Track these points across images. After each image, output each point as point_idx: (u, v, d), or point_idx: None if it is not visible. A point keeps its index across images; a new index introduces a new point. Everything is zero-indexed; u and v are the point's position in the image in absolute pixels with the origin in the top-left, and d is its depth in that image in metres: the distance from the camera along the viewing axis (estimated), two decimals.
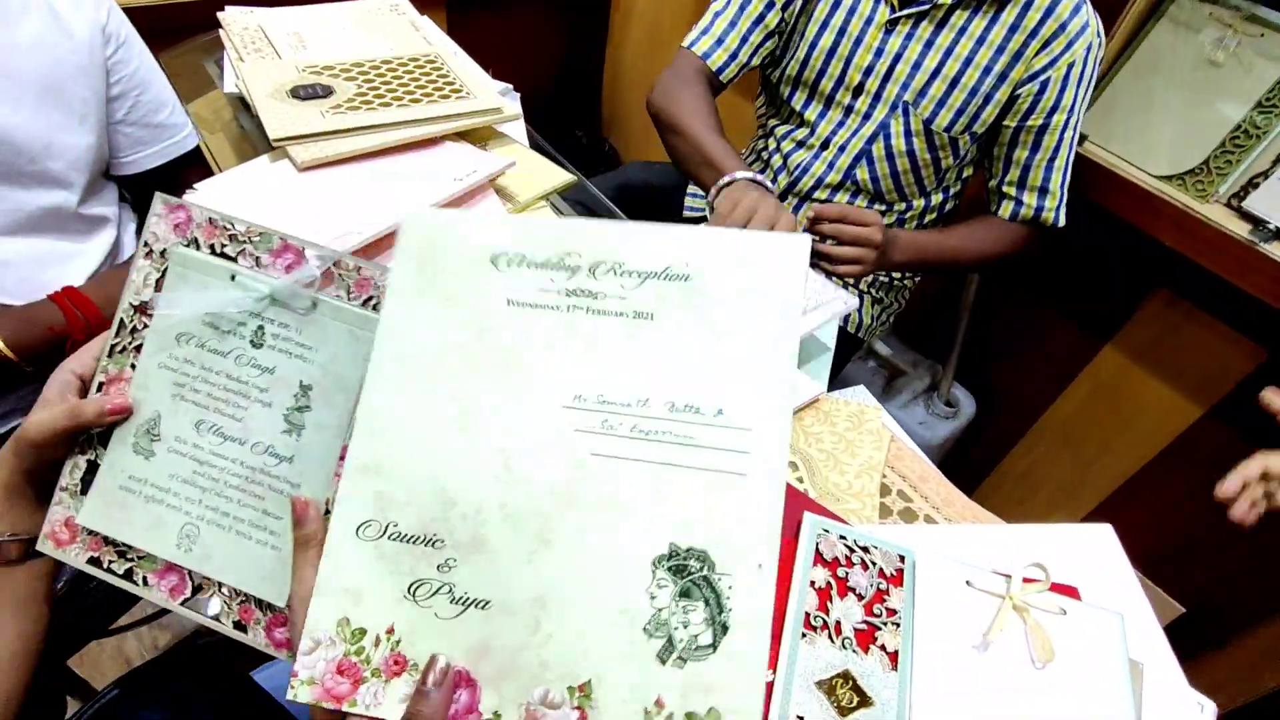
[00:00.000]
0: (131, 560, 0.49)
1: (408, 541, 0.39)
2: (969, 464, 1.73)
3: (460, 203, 0.84)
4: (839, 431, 0.68)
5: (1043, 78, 0.97)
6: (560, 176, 0.96)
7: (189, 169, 0.98)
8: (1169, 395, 1.36)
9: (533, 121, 1.09)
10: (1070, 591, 0.53)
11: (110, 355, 0.50)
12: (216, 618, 0.48)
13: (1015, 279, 1.55)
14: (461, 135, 0.93)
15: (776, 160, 1.19)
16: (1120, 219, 1.23)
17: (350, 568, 0.39)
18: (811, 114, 1.13)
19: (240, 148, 1.03)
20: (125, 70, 0.87)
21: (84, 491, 0.50)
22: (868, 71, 1.05)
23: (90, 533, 0.49)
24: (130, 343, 0.50)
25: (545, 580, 0.37)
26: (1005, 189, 1.08)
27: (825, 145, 1.13)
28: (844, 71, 1.06)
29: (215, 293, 0.48)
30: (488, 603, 0.37)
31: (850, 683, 0.46)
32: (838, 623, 0.49)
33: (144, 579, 0.49)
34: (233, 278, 0.48)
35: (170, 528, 0.48)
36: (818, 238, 0.95)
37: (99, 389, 0.50)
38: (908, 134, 1.06)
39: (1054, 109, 0.98)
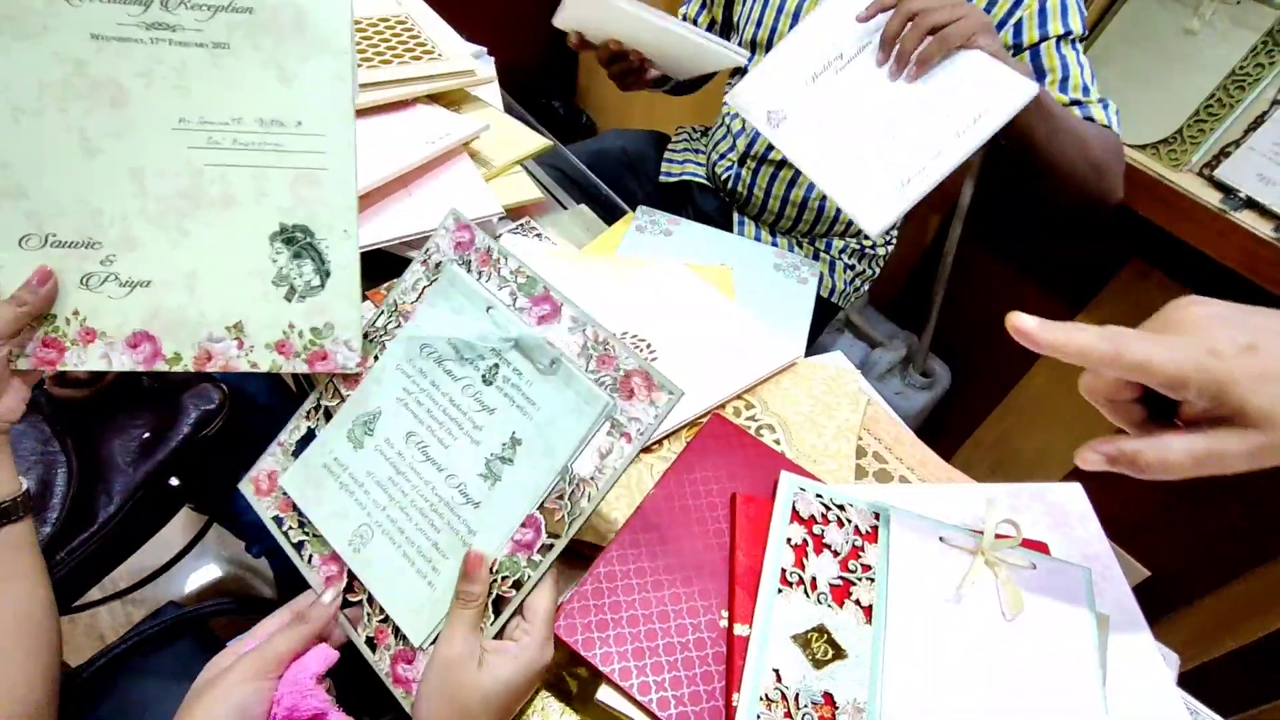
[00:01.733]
0: (307, 535, 0.51)
1: (69, 246, 0.47)
2: (945, 434, 1.75)
3: (434, 166, 0.83)
4: (816, 395, 0.68)
5: (1013, 21, 0.92)
6: (535, 141, 0.94)
7: None
8: None
9: (510, 91, 1.07)
10: (1040, 547, 0.54)
11: (366, 337, 0.52)
12: (354, 623, 0.49)
13: (992, 248, 1.56)
14: (433, 98, 0.91)
15: (736, 124, 1.18)
16: None
17: (25, 273, 0.47)
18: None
19: None
20: None
21: (295, 454, 0.53)
22: None
23: (285, 493, 0.53)
24: (383, 335, 0.53)
25: (191, 258, 0.48)
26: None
27: None
28: (793, 26, 1.06)
29: (468, 319, 0.50)
30: (149, 282, 0.48)
31: (825, 636, 0.47)
32: (813, 578, 0.49)
33: (310, 558, 0.51)
34: (488, 310, 0.49)
35: (350, 521, 0.50)
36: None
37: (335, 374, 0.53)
38: None
39: (1041, 40, 0.92)
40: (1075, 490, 0.61)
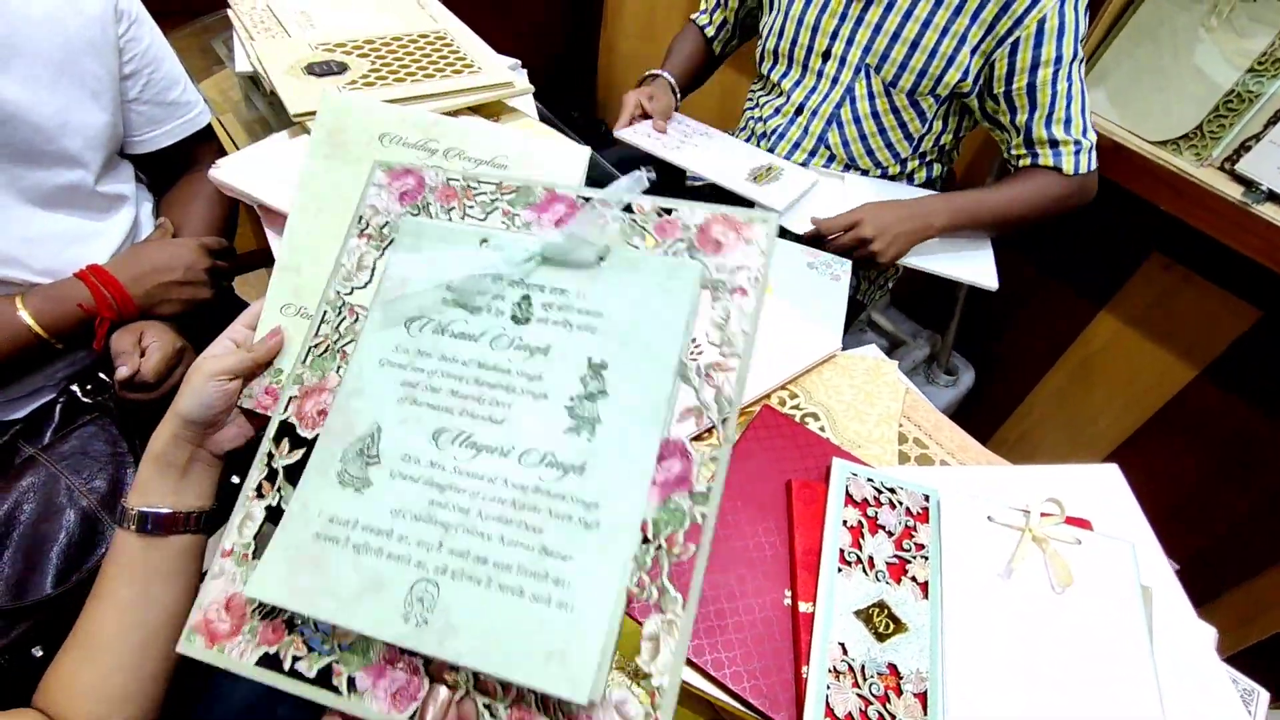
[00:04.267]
0: (330, 653, 0.35)
1: (310, 318, 0.45)
2: (969, 430, 1.77)
3: None
4: (857, 384, 0.70)
5: (1011, 40, 0.96)
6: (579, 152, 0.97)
7: (201, 146, 0.98)
8: (1163, 358, 1.39)
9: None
10: (1084, 524, 0.56)
11: (306, 361, 0.41)
12: None
13: (1013, 248, 1.58)
14: (473, 110, 0.94)
15: (759, 128, 1.24)
16: (1115, 185, 1.26)
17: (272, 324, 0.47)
18: (788, 82, 1.18)
19: (251, 127, 1.04)
20: (138, 48, 0.88)
21: (258, 554, 0.37)
22: (834, 36, 1.09)
23: (264, 615, 0.36)
24: (336, 342, 0.40)
25: None
26: (1015, 152, 1.07)
27: (799, 111, 1.17)
28: (813, 37, 1.11)
29: (459, 265, 0.38)
30: None
31: (886, 611, 0.49)
32: (870, 557, 0.52)
33: (349, 681, 0.34)
34: (482, 243, 0.38)
35: (394, 590, 0.33)
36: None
37: (288, 405, 0.40)
38: (870, 96, 1.10)
39: (1035, 66, 0.98)
40: (1113, 471, 0.63)
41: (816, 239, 1.00)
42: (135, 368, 0.78)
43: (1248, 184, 1.11)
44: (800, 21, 1.11)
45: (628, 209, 0.37)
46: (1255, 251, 1.11)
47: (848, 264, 0.95)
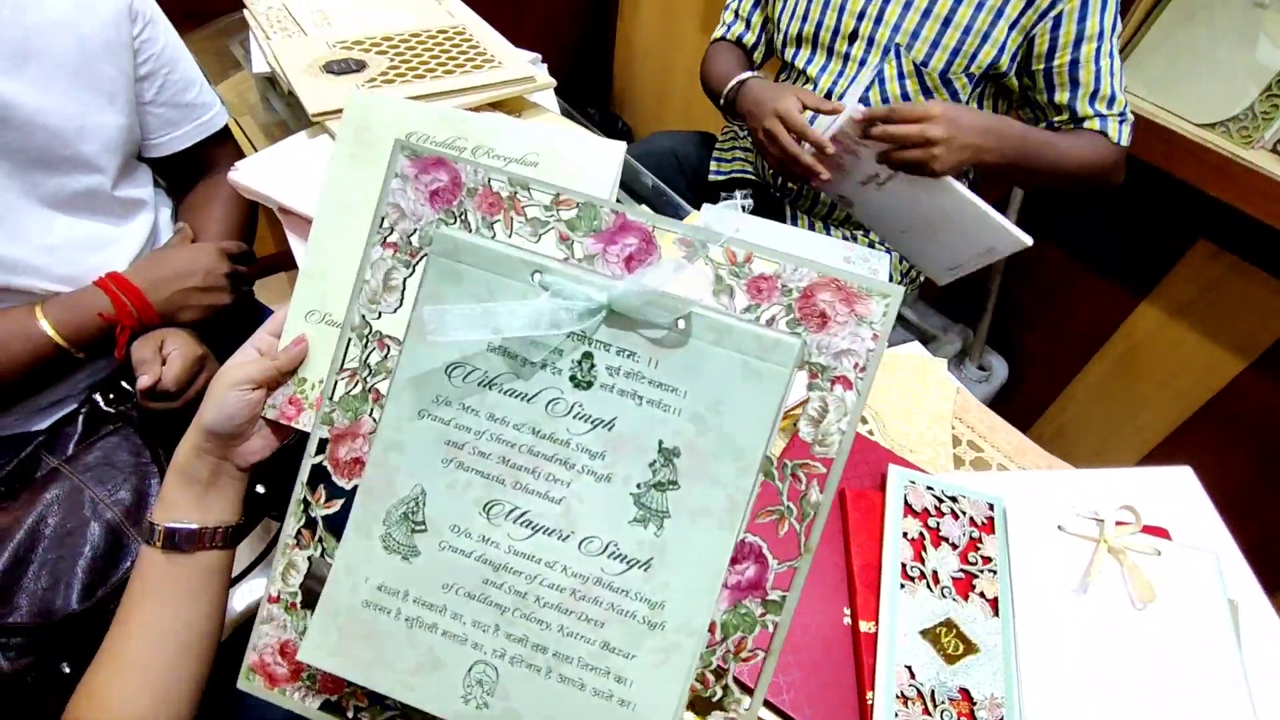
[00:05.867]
0: (393, 708, 0.35)
1: (335, 325, 0.44)
2: None
3: None
4: (903, 384, 0.67)
5: (1054, 13, 0.93)
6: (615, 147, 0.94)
7: (219, 149, 0.96)
8: (1209, 350, 1.34)
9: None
10: (1161, 533, 0.53)
11: (334, 398, 0.36)
12: None
13: (1046, 236, 1.53)
14: (494, 105, 0.92)
15: None
16: (1156, 170, 1.21)
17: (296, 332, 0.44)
18: (814, 69, 1.13)
19: (270, 130, 1.02)
20: (153, 49, 0.86)
21: (307, 604, 0.36)
22: (860, 16, 1.04)
23: (315, 672, 0.36)
24: (366, 378, 0.36)
25: None
26: (1057, 116, 1.02)
27: (827, 97, 1.12)
28: (839, 19, 1.06)
29: (509, 306, 0.32)
30: None
31: (954, 630, 0.46)
32: (934, 572, 0.48)
33: None
34: (534, 275, 0.32)
35: (452, 670, 0.32)
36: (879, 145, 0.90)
37: (320, 448, 0.36)
38: (900, 78, 1.05)
39: (1079, 41, 0.94)
40: (1186, 474, 0.59)
41: (867, 125, 0.90)
42: (156, 376, 0.76)
43: None
44: (825, 3, 1.07)
45: (712, 259, 0.32)
46: None
47: (885, 258, 0.91)
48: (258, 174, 0.78)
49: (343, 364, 0.36)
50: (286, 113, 0.99)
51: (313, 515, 0.36)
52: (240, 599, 1.44)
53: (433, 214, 0.34)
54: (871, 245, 1.18)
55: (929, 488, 0.52)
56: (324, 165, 0.78)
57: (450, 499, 0.33)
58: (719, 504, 0.32)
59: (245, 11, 1.01)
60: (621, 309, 0.31)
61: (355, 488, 0.35)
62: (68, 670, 0.70)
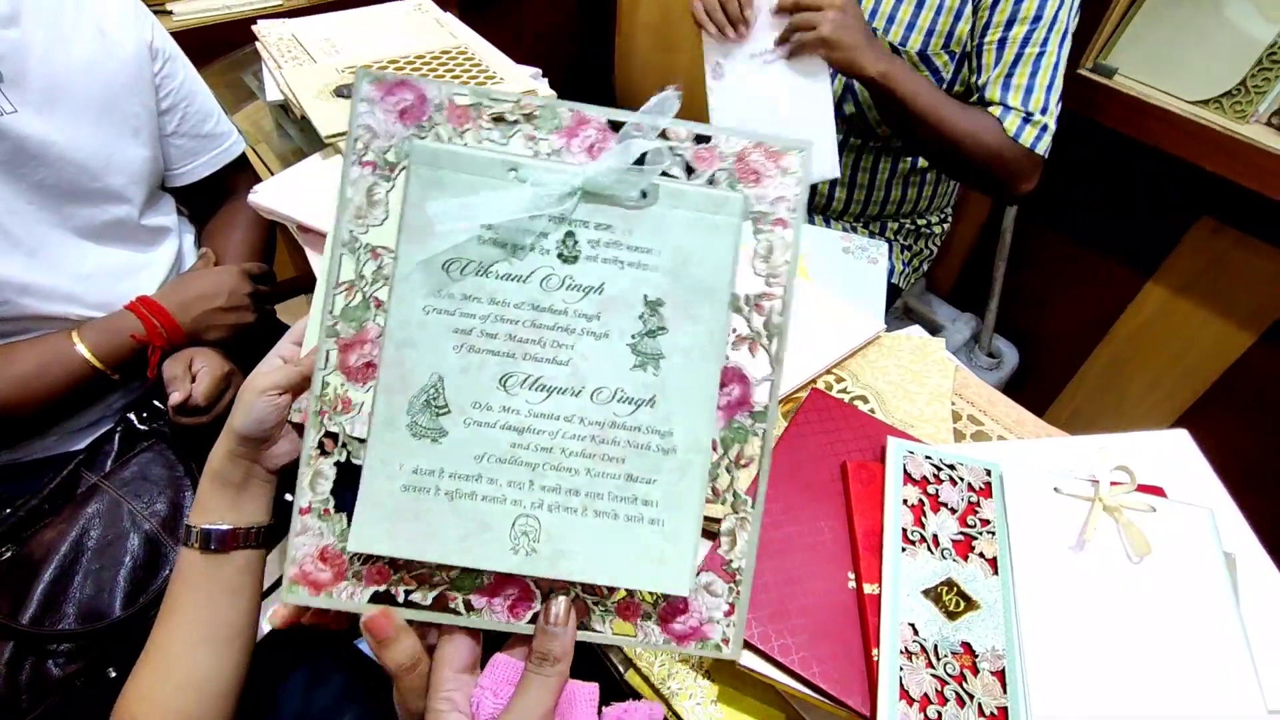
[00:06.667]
0: (440, 584, 0.37)
1: None
2: None
3: None
4: (904, 364, 0.69)
5: None
6: None
7: (237, 176, 1.01)
8: (1218, 325, 1.34)
9: None
10: (1156, 491, 0.54)
11: (338, 313, 0.37)
12: (587, 625, 0.38)
13: (1047, 223, 1.54)
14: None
15: None
16: (1154, 150, 1.22)
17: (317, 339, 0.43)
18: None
19: (285, 156, 1.06)
20: (173, 84, 0.91)
21: (341, 508, 0.38)
22: None
23: (365, 560, 0.38)
24: (367, 288, 0.37)
25: None
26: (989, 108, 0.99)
27: None
28: None
29: (489, 199, 0.35)
30: None
31: (955, 589, 0.48)
32: (934, 535, 0.50)
33: (465, 603, 0.37)
34: (511, 172, 0.36)
35: (498, 528, 0.36)
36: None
37: (327, 358, 0.38)
38: None
39: (1011, 21, 0.92)
40: (1182, 436, 0.61)
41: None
42: (187, 393, 0.79)
43: None
44: None
45: (663, 135, 0.36)
46: None
47: (884, 246, 0.93)
48: (277, 195, 0.81)
49: (338, 279, 0.37)
50: (301, 138, 1.03)
51: (325, 424, 0.38)
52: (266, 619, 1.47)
53: (405, 130, 0.37)
54: (873, 238, 1.21)
55: (927, 457, 0.54)
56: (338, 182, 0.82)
57: (467, 380, 0.36)
58: (702, 339, 0.37)
59: (257, 44, 1.05)
60: (594, 188, 0.36)
61: (371, 386, 0.37)
62: (114, 675, 0.74)
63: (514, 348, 0.36)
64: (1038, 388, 1.69)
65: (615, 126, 0.37)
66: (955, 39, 0.99)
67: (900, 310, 1.71)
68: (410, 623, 0.37)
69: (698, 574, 0.38)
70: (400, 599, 0.37)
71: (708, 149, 0.37)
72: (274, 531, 0.53)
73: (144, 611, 0.73)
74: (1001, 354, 1.64)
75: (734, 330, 0.38)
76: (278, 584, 0.89)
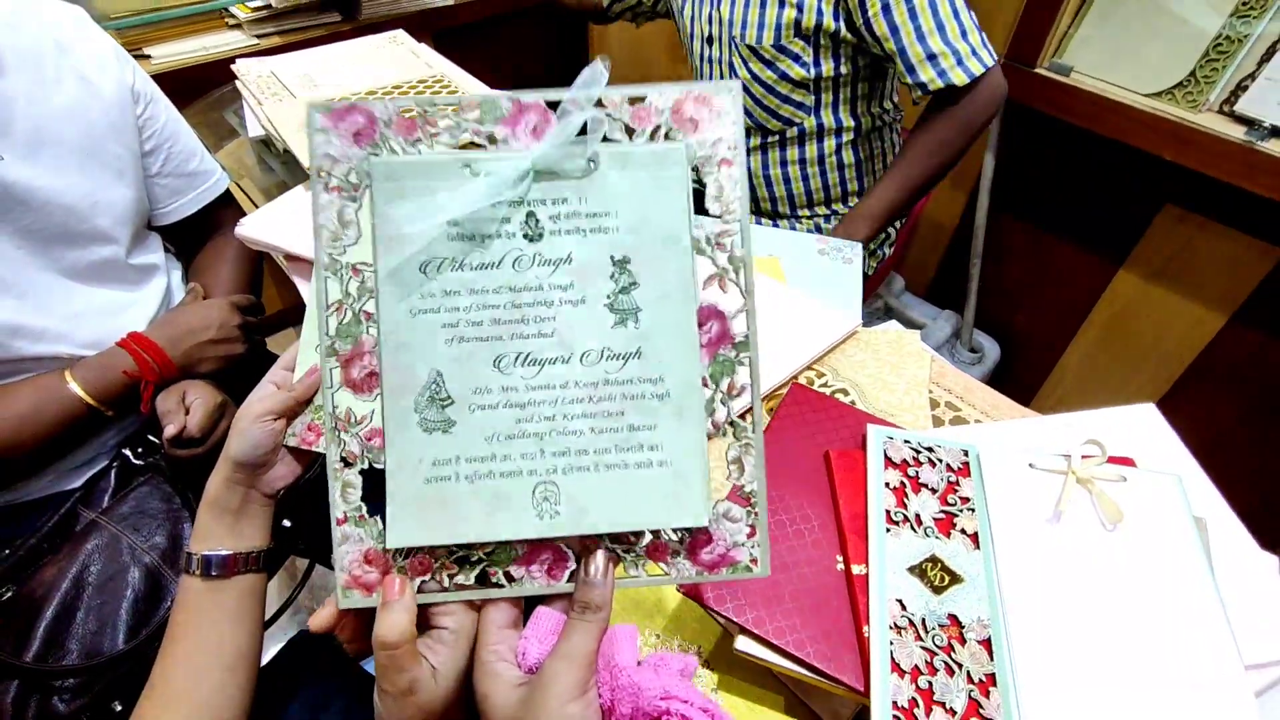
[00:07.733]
0: (478, 561, 0.40)
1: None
2: None
3: None
4: (882, 357, 0.71)
5: None
6: None
7: (222, 211, 1.02)
8: (1189, 308, 1.38)
9: None
10: (1127, 462, 0.56)
11: (333, 333, 0.39)
12: (622, 572, 0.40)
13: (1020, 216, 1.58)
14: None
15: None
16: (1116, 143, 1.26)
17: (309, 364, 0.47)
18: (697, 74, 1.26)
19: (269, 190, 1.08)
20: (156, 125, 0.92)
21: (374, 512, 0.40)
22: (709, 20, 1.14)
23: (406, 554, 0.40)
24: (355, 305, 0.39)
25: None
26: (905, 79, 1.02)
27: None
28: (693, 27, 1.19)
29: (449, 198, 0.37)
30: None
31: (939, 565, 0.49)
32: (917, 515, 0.52)
33: (505, 575, 0.40)
34: (465, 167, 0.38)
35: (519, 499, 0.39)
36: None
37: (331, 376, 0.40)
38: (744, 62, 1.13)
39: None
40: (1150, 410, 0.63)
41: None
42: (181, 425, 0.80)
43: (1249, 123, 1.11)
44: (692, 18, 1.19)
45: (599, 104, 0.38)
46: (1267, 189, 1.10)
47: (858, 247, 0.96)
48: (263, 227, 0.83)
49: (327, 301, 0.39)
50: (283, 170, 1.05)
51: (345, 438, 0.40)
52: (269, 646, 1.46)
53: (360, 151, 0.38)
54: (818, 229, 1.26)
55: (906, 441, 0.56)
56: None
57: (463, 369, 0.39)
58: (673, 286, 0.39)
59: (237, 82, 1.07)
60: (544, 166, 0.37)
61: (377, 393, 0.40)
62: (119, 708, 0.74)
63: (500, 330, 0.38)
64: (1021, 380, 1.72)
65: (554, 106, 0.38)
66: (803, 27, 1.04)
67: (881, 310, 1.74)
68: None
69: (714, 505, 0.39)
70: (446, 584, 0.39)
71: (644, 108, 0.38)
72: (273, 555, 0.54)
73: (147, 644, 0.74)
74: (983, 348, 1.67)
75: (702, 271, 0.39)
76: (280, 613, 0.90)
